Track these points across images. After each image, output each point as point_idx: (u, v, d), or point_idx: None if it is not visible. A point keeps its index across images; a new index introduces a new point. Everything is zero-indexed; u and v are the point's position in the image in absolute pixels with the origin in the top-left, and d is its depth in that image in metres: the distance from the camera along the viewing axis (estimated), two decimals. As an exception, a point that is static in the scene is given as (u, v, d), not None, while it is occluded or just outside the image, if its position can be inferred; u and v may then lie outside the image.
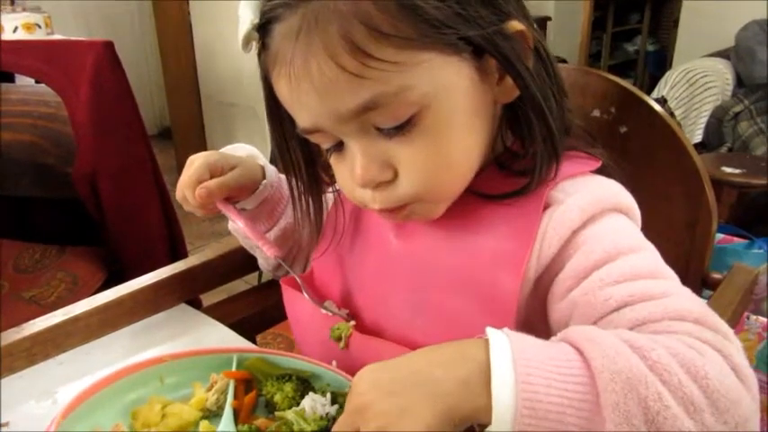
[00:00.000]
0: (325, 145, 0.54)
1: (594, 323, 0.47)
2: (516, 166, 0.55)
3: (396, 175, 0.51)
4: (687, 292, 0.48)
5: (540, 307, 0.54)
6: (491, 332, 0.42)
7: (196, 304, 0.78)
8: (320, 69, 0.46)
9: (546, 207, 0.52)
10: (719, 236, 1.79)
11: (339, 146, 0.53)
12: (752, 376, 0.41)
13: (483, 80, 0.51)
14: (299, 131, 0.54)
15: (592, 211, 0.52)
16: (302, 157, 0.60)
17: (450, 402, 0.40)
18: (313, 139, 0.54)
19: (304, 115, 0.51)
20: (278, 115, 0.57)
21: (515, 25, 0.50)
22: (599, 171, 0.56)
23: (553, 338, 0.44)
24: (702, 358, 0.40)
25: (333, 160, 0.56)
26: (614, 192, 0.54)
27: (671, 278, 0.49)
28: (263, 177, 0.70)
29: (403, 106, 0.48)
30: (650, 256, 0.51)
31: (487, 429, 0.40)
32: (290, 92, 0.50)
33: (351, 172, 0.52)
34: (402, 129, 0.49)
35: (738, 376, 0.41)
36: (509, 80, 0.51)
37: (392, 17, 0.45)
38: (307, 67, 0.47)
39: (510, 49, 0.49)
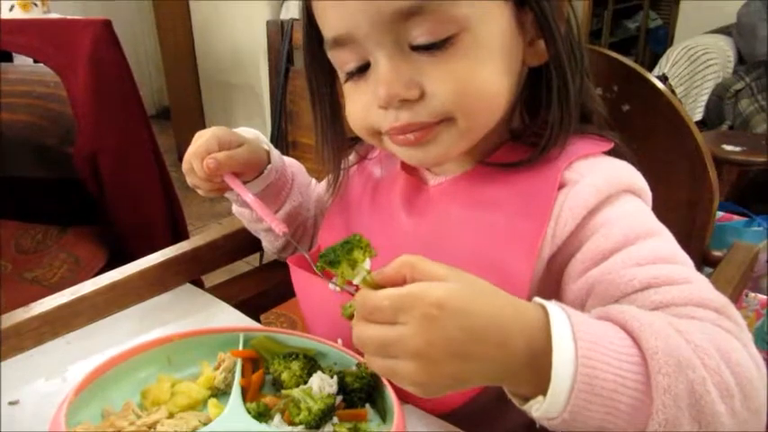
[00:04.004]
0: (348, 65, 0.54)
1: (615, 302, 0.47)
2: (528, 139, 0.56)
3: (421, 95, 0.51)
4: (704, 279, 0.48)
5: (551, 286, 0.54)
6: (546, 304, 0.42)
7: (199, 284, 0.78)
8: None
9: (560, 187, 0.53)
10: (719, 213, 1.79)
11: (362, 69, 0.53)
12: (763, 366, 0.42)
13: (518, 32, 0.52)
14: (328, 46, 0.53)
15: (607, 192, 0.52)
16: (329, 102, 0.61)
17: (502, 378, 0.41)
18: (339, 56, 0.54)
19: (340, 17, 0.51)
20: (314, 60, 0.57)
21: None
22: (610, 153, 0.57)
23: (587, 315, 0.43)
24: (733, 346, 0.41)
25: (350, 88, 0.55)
26: (628, 173, 0.55)
27: (688, 264, 0.49)
28: (269, 161, 0.70)
29: (444, 20, 0.48)
30: (667, 240, 0.51)
31: (534, 401, 0.40)
32: None
33: (373, 93, 0.52)
34: (436, 47, 0.49)
35: (756, 365, 0.41)
36: (540, 44, 0.53)
37: None
38: None
39: (548, 7, 0.51)
